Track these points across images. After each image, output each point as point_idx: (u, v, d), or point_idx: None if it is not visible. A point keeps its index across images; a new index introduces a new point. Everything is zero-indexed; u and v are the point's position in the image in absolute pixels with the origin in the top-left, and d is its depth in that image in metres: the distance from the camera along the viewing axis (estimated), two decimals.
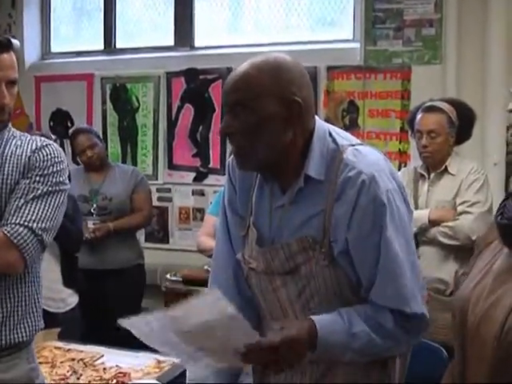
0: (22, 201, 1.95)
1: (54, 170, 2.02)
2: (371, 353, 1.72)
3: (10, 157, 2.01)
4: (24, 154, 2.02)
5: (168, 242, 5.33)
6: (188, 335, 1.55)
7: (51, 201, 1.99)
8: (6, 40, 2.00)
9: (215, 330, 1.52)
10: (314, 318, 1.67)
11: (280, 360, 1.61)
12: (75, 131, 4.47)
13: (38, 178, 1.98)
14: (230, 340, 1.57)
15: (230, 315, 1.50)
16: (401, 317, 1.67)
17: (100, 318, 4.18)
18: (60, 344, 3.04)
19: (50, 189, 1.99)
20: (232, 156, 1.84)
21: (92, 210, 4.25)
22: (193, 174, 5.19)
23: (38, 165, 2.00)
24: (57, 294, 3.54)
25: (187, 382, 2.59)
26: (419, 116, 3.35)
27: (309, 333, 1.64)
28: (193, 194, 5.20)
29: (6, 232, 1.90)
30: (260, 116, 1.66)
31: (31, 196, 1.96)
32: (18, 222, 1.92)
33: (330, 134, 1.75)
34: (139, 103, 5.35)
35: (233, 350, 1.59)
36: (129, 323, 1.61)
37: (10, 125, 2.10)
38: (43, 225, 1.95)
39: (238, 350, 1.58)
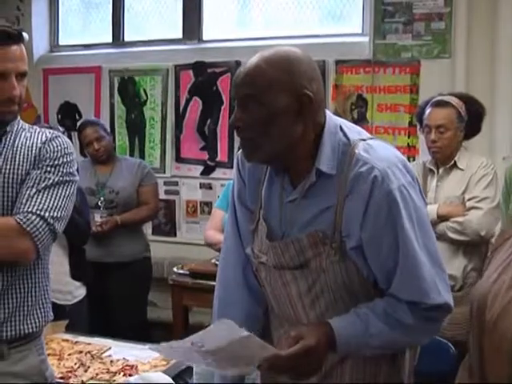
0: (34, 190, 1.96)
1: (65, 160, 2.03)
2: (392, 347, 1.74)
3: (21, 148, 2.02)
4: (34, 145, 2.03)
5: (175, 235, 5.34)
6: (208, 354, 1.57)
7: (62, 191, 2.00)
8: (16, 32, 2.00)
9: (234, 349, 1.54)
10: (331, 322, 1.67)
11: (299, 370, 1.61)
12: (83, 123, 4.47)
13: (49, 168, 2.00)
14: (247, 356, 1.58)
15: (245, 336, 1.52)
16: (422, 308, 1.67)
17: (106, 310, 4.19)
18: (68, 336, 3.05)
19: (60, 179, 2.00)
20: (241, 149, 1.83)
21: (99, 203, 4.26)
22: (200, 168, 5.19)
23: (48, 155, 2.01)
24: (64, 286, 3.55)
25: (194, 375, 2.59)
26: (428, 111, 3.33)
27: (328, 341, 1.64)
28: (200, 187, 5.20)
29: (18, 220, 1.91)
30: (270, 110, 1.65)
31: (43, 185, 1.97)
32: (30, 210, 1.93)
33: (341, 129, 1.74)
34: (147, 96, 5.35)
35: (248, 360, 1.60)
36: (155, 348, 1.65)
37: (19, 117, 2.10)
38: (55, 214, 1.96)
39: (254, 362, 1.59)
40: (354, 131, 1.76)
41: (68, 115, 5.61)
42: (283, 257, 1.76)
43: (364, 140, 1.72)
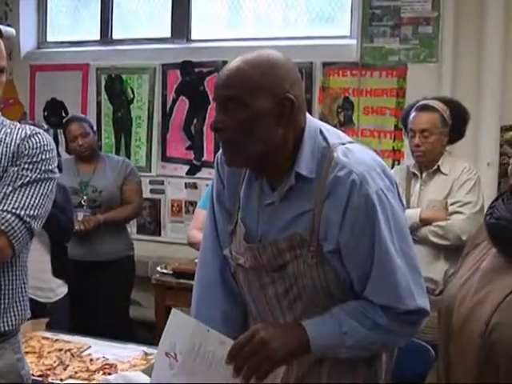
0: (10, 188, 1.93)
1: (43, 157, 2.00)
2: (369, 348, 1.73)
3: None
4: (13, 141, 2.00)
5: (160, 235, 5.32)
6: (187, 368, 1.66)
7: (40, 188, 1.98)
8: None
9: (199, 352, 1.64)
10: (303, 322, 1.68)
11: (250, 360, 1.59)
12: (69, 119, 4.46)
13: (26, 166, 1.97)
14: (215, 358, 1.64)
15: (195, 324, 1.64)
16: (396, 313, 1.68)
17: (89, 308, 4.18)
18: (48, 334, 3.04)
19: (38, 176, 1.98)
20: (221, 151, 1.83)
21: (82, 202, 4.24)
22: (186, 167, 5.18)
23: (27, 152, 1.98)
24: (46, 283, 3.54)
25: None
26: (412, 115, 3.35)
27: (297, 336, 1.65)
28: (186, 186, 5.19)
29: None
30: (252, 112, 1.65)
31: (19, 183, 1.94)
32: (5, 208, 1.91)
33: (321, 132, 1.74)
34: (134, 95, 5.33)
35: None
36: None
37: None
38: (31, 212, 1.94)
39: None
40: (333, 135, 1.76)
41: (54, 112, 5.58)
42: (261, 259, 1.76)
43: (343, 144, 1.73)
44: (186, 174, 5.19)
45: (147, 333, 4.41)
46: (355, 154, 1.70)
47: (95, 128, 4.55)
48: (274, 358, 1.61)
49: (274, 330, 1.65)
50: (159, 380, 1.71)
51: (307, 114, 1.77)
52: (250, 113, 1.65)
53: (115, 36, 5.61)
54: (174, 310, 1.70)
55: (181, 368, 1.65)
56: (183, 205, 5.21)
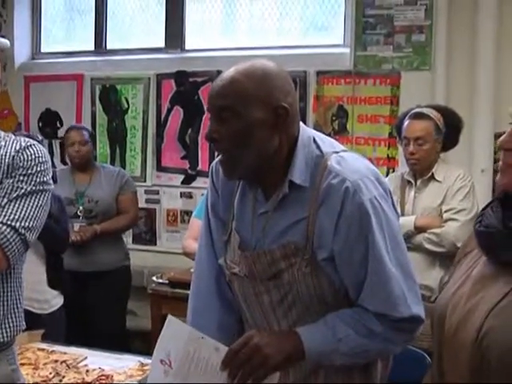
0: (6, 200, 1.93)
1: (38, 169, 2.00)
2: (364, 355, 1.73)
3: None
4: (8, 154, 2.00)
5: (155, 244, 5.32)
6: (182, 375, 1.67)
7: (35, 200, 1.98)
8: None
9: (193, 358, 1.66)
10: (298, 329, 1.68)
11: (245, 365, 1.60)
12: (70, 127, 4.55)
13: (21, 178, 1.97)
14: (210, 365, 1.65)
15: (190, 331, 1.66)
16: (391, 320, 1.68)
17: (85, 319, 4.17)
18: (44, 345, 3.03)
19: (33, 188, 1.98)
20: (216, 160, 1.84)
21: (78, 213, 4.25)
22: (181, 177, 5.19)
23: (21, 164, 1.98)
24: (41, 294, 3.53)
25: None
26: (406, 123, 3.36)
27: (292, 343, 1.66)
28: (181, 196, 5.19)
29: None
30: (246, 122, 1.66)
31: (14, 195, 1.94)
32: (0, 220, 1.90)
33: (315, 141, 1.75)
34: (129, 105, 5.34)
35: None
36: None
37: None
38: (26, 224, 1.93)
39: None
40: (327, 143, 1.77)
41: (49, 123, 5.58)
42: (255, 268, 1.76)
43: (337, 152, 1.73)
44: (181, 183, 5.19)
45: (143, 342, 4.40)
46: (349, 162, 1.71)
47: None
48: (269, 363, 1.62)
49: (268, 336, 1.66)
50: None
51: (301, 123, 1.77)
52: (245, 123, 1.66)
53: (109, 46, 5.62)
54: (169, 317, 1.71)
55: (175, 375, 1.65)
56: (178, 214, 5.21)
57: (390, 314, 1.67)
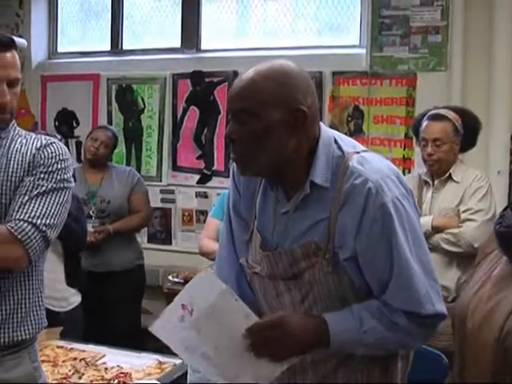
0: (27, 197, 1.95)
1: (59, 167, 2.02)
2: (385, 347, 1.75)
3: (15, 154, 2.02)
4: (29, 151, 2.03)
5: (171, 244, 5.33)
6: (199, 326, 1.66)
7: (56, 198, 1.99)
8: (8, 39, 2.00)
9: (218, 316, 1.65)
10: (325, 315, 1.70)
11: (271, 343, 1.65)
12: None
13: (42, 175, 1.99)
14: (233, 327, 1.65)
15: (225, 290, 1.65)
16: (416, 317, 1.69)
17: (101, 318, 4.19)
18: (62, 343, 3.06)
19: (54, 186, 1.99)
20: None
21: (91, 213, 4.27)
22: (197, 176, 5.20)
23: (42, 162, 2.00)
24: (59, 293, 3.55)
25: (188, 383, 2.60)
26: (425, 124, 3.35)
27: (318, 331, 1.68)
28: (196, 196, 5.21)
29: (9, 228, 1.90)
30: (265, 123, 1.67)
31: (35, 192, 1.96)
32: (22, 218, 1.92)
33: (336, 141, 1.76)
34: (145, 104, 5.36)
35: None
36: (154, 329, 1.71)
37: (15, 123, 2.10)
38: (47, 221, 1.95)
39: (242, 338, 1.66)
40: (348, 144, 1.78)
41: (65, 122, 5.62)
42: (276, 267, 1.77)
43: (358, 153, 1.74)
44: (197, 183, 5.20)
45: (158, 341, 4.41)
46: (370, 162, 1.71)
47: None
48: (293, 350, 1.68)
49: (298, 322, 1.68)
50: (164, 328, 1.69)
51: (321, 124, 1.78)
52: (263, 124, 1.67)
53: (125, 46, 5.65)
54: (207, 270, 1.73)
55: (192, 323, 1.65)
56: (194, 214, 5.22)
57: (416, 311, 1.68)
